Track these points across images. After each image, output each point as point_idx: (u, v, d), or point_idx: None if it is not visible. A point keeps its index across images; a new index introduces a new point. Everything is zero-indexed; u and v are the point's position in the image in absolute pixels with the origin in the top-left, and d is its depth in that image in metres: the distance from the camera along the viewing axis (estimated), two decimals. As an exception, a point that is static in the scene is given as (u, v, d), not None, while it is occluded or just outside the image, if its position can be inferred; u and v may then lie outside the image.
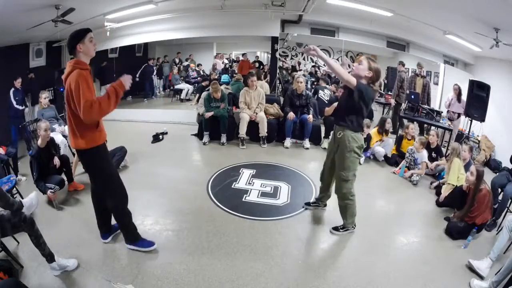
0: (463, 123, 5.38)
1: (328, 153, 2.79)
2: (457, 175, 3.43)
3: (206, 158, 4.68)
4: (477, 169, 2.87)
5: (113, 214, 2.53)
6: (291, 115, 4.90)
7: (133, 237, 2.52)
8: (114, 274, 2.23)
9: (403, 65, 6.31)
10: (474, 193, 2.84)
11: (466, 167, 3.62)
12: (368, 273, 2.36)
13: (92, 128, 2.16)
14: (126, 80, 2.15)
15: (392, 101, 6.36)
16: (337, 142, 2.55)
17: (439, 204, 3.43)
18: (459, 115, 5.34)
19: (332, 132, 2.70)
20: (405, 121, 5.86)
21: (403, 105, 6.07)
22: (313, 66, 8.68)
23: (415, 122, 5.36)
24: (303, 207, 3.18)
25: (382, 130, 4.77)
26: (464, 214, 2.88)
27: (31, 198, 2.51)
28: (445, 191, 3.42)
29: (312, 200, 3.22)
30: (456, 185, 3.35)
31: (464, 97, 5.18)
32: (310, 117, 4.87)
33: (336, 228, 2.81)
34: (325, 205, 3.18)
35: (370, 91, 2.39)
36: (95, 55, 2.21)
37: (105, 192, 2.40)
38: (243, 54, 8.59)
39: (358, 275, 2.33)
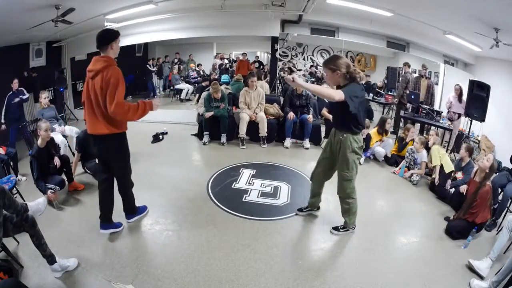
0: (463, 123, 5.38)
1: (327, 154, 2.73)
2: (438, 156, 3.82)
3: (206, 158, 4.68)
4: (493, 160, 2.88)
5: (124, 191, 2.73)
6: (291, 115, 4.90)
7: (134, 209, 2.85)
8: (114, 274, 2.23)
9: (409, 66, 6.33)
10: (478, 188, 2.82)
11: (467, 168, 3.63)
12: (368, 273, 2.36)
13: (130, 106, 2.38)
14: (156, 106, 2.45)
15: (395, 101, 6.39)
16: (339, 144, 2.54)
17: (435, 190, 3.70)
18: (459, 115, 5.34)
19: (331, 133, 2.67)
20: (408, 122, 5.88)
21: (408, 106, 6.10)
22: (311, 66, 8.68)
23: (416, 124, 5.40)
24: (296, 214, 3.10)
25: (382, 131, 4.76)
26: (465, 210, 2.87)
27: (38, 203, 2.51)
28: (435, 173, 3.77)
29: (304, 205, 3.12)
30: (442, 164, 3.75)
31: (464, 97, 5.18)
32: (310, 117, 4.87)
33: (336, 228, 2.82)
34: (318, 208, 3.13)
35: (351, 88, 2.27)
36: (97, 54, 2.33)
37: (124, 171, 2.64)
38: (242, 54, 8.49)
39: (358, 275, 2.33)
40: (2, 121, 4.50)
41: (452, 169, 3.72)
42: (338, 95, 2.17)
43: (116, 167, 2.58)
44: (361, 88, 2.38)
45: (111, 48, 2.29)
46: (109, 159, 2.53)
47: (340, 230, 2.80)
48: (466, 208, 2.87)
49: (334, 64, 2.32)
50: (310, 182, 2.98)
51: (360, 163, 4.40)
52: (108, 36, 2.27)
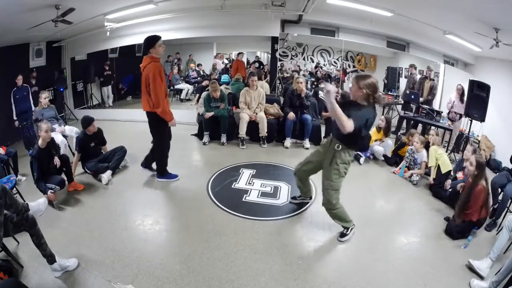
0: (464, 123, 5.38)
1: (317, 157, 2.75)
2: (434, 157, 3.85)
3: (206, 158, 4.68)
4: (476, 159, 2.85)
5: (156, 157, 3.67)
6: (291, 115, 4.90)
7: (163, 173, 3.65)
8: (114, 274, 2.23)
9: (415, 68, 6.34)
10: (472, 187, 2.81)
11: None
12: (368, 273, 2.36)
13: (164, 101, 3.24)
14: (172, 124, 3.44)
15: (401, 101, 6.42)
16: (333, 152, 2.52)
17: (433, 190, 3.73)
18: (461, 115, 5.33)
19: (327, 140, 2.67)
20: (408, 124, 5.89)
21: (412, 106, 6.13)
22: (317, 66, 8.61)
23: (419, 126, 5.41)
24: (290, 202, 3.29)
25: (379, 129, 4.77)
26: (459, 210, 2.86)
27: (39, 203, 2.51)
28: (432, 174, 3.84)
29: (298, 194, 3.28)
30: (439, 165, 3.78)
31: (465, 97, 5.18)
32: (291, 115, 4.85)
33: (342, 235, 2.76)
34: (311, 198, 3.30)
35: (365, 116, 2.28)
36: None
37: (157, 142, 3.54)
38: (238, 54, 7.99)
39: (358, 275, 2.33)
40: (15, 118, 4.60)
41: (449, 169, 3.72)
42: (349, 127, 2.16)
43: (153, 138, 3.54)
44: (374, 113, 2.39)
45: (153, 50, 3.15)
46: (150, 130, 3.44)
47: (347, 234, 2.76)
48: (460, 209, 2.85)
49: (363, 83, 2.32)
50: (296, 174, 3.04)
51: (360, 163, 4.43)
52: (149, 42, 3.16)
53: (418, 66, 6.76)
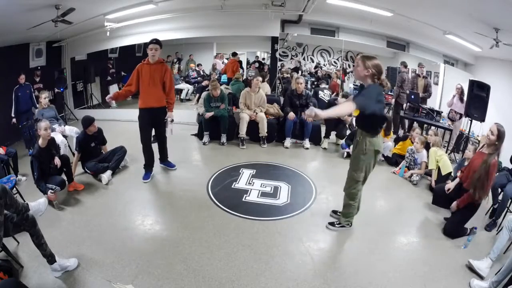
0: (464, 123, 5.38)
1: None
2: (434, 159, 3.82)
3: (206, 158, 4.68)
4: (498, 127, 2.58)
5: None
6: (291, 115, 4.90)
7: (146, 166, 3.78)
8: (114, 274, 2.23)
9: (405, 66, 6.32)
10: (487, 160, 2.60)
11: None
12: (368, 273, 2.36)
13: (139, 97, 3.57)
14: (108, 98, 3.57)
15: (392, 101, 6.39)
16: (356, 144, 2.61)
17: (433, 191, 3.60)
18: (461, 115, 5.33)
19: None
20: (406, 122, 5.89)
21: (405, 105, 6.09)
22: (316, 66, 8.61)
23: (415, 123, 5.40)
24: (330, 215, 3.08)
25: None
26: (477, 188, 2.63)
27: (39, 203, 2.51)
28: (433, 177, 3.82)
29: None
30: (439, 166, 3.74)
31: (465, 97, 5.18)
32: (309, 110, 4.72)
33: (332, 224, 2.88)
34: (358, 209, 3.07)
35: (372, 92, 2.33)
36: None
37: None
38: (233, 54, 7.64)
39: (358, 275, 2.33)
40: (13, 115, 4.59)
41: (449, 171, 3.69)
42: (350, 108, 2.30)
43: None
44: (381, 89, 2.41)
45: (148, 53, 3.45)
46: None
47: (336, 225, 2.87)
48: (479, 187, 2.61)
49: (370, 63, 2.36)
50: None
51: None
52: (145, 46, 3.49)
53: (416, 66, 6.75)
